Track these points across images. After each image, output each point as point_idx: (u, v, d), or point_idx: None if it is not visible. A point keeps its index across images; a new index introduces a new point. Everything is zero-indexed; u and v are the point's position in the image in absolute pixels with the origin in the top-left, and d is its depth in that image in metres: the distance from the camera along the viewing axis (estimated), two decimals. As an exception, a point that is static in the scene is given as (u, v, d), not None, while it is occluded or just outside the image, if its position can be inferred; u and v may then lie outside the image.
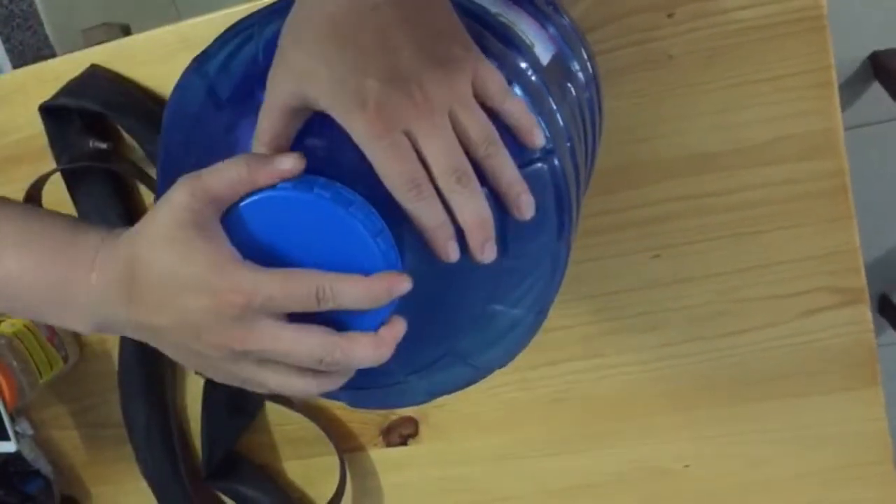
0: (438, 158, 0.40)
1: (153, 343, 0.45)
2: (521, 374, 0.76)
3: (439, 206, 0.41)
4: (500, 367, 0.49)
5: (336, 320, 0.42)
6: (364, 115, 0.40)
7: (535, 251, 0.45)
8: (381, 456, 0.82)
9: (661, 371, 0.74)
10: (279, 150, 0.43)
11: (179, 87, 0.48)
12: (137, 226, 0.44)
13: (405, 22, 0.40)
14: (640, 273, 0.71)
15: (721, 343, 0.72)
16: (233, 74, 0.46)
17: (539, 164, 0.43)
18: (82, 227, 0.47)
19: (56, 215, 0.50)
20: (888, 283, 1.49)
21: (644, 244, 0.70)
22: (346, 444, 0.82)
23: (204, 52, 0.47)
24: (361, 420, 0.81)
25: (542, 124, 0.43)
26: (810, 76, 0.63)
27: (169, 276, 0.42)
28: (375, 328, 0.42)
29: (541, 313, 0.47)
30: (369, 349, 0.42)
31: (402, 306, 0.42)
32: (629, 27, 0.64)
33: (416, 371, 0.48)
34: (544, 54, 0.49)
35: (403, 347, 0.43)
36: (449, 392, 0.50)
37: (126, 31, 1.45)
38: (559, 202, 0.44)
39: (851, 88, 1.39)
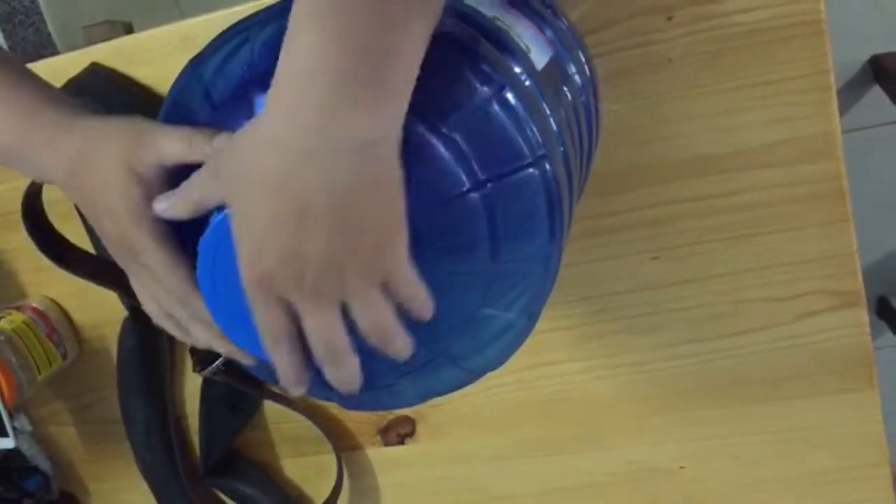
0: (312, 336, 0.43)
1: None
2: (518, 375, 0.76)
3: (294, 357, 0.44)
4: (492, 370, 0.49)
5: None
6: (251, 272, 0.42)
7: (527, 256, 0.45)
8: (378, 455, 0.82)
9: (659, 372, 0.74)
10: (196, 214, 0.48)
11: (175, 88, 0.49)
12: (98, 128, 0.52)
13: (335, 207, 0.39)
14: (639, 275, 0.71)
15: (719, 344, 0.72)
16: (228, 77, 0.46)
17: (530, 170, 0.43)
18: (45, 99, 0.54)
19: (26, 77, 0.56)
20: (887, 286, 1.50)
21: (643, 246, 0.70)
22: (343, 443, 0.82)
23: (200, 55, 0.47)
24: (359, 419, 0.81)
25: (535, 129, 0.43)
26: (809, 80, 0.63)
27: (100, 192, 0.50)
28: None
29: (532, 317, 0.47)
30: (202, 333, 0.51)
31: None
32: (629, 30, 0.65)
33: (408, 374, 0.48)
34: (540, 58, 0.50)
35: None
36: (440, 394, 0.50)
37: (128, 28, 1.45)
38: (551, 207, 0.44)
39: (852, 91, 1.39)
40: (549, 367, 0.76)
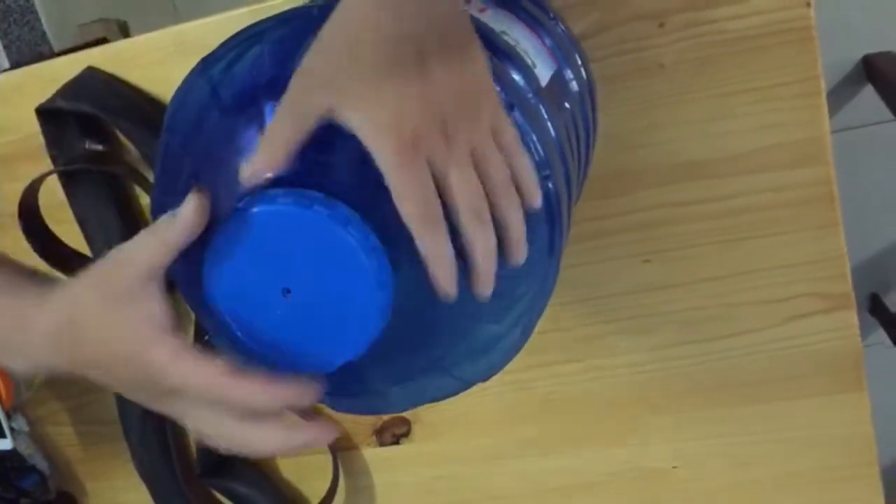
0: (462, 194, 0.41)
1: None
2: (513, 376, 0.77)
3: (448, 244, 0.41)
4: (484, 380, 0.49)
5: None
6: (396, 141, 0.40)
7: (525, 269, 0.45)
8: (374, 455, 0.83)
9: (651, 374, 0.74)
10: (290, 155, 0.43)
11: (183, 88, 0.48)
12: (73, 290, 0.47)
13: (444, 51, 0.40)
14: (631, 277, 0.72)
15: (711, 347, 0.73)
16: (237, 79, 0.46)
17: None
18: (26, 281, 0.50)
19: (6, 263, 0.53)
20: (878, 284, 1.51)
21: (635, 249, 0.71)
22: (339, 443, 0.83)
23: (211, 55, 0.47)
24: (355, 419, 0.82)
25: (540, 148, 0.43)
26: (799, 86, 0.64)
27: (100, 344, 0.45)
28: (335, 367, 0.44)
29: (526, 330, 0.47)
30: (260, 393, 0.43)
31: (390, 317, 0.43)
32: (622, 36, 0.65)
33: (401, 381, 0.49)
34: (545, 73, 0.50)
35: (389, 360, 0.44)
36: (430, 402, 0.50)
37: (123, 27, 1.45)
38: (551, 224, 0.44)
39: (844, 91, 1.40)
40: (544, 367, 0.76)
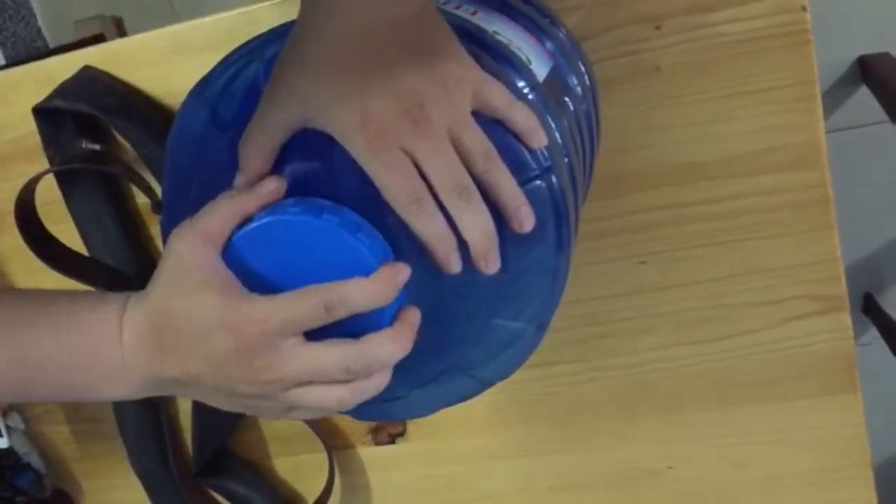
0: (440, 175, 0.42)
1: (195, 396, 0.47)
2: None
3: (441, 219, 0.42)
4: (502, 379, 0.50)
5: (353, 332, 0.43)
6: (364, 134, 0.41)
7: (536, 266, 0.45)
8: (369, 454, 0.83)
9: (647, 374, 0.75)
10: (265, 163, 0.45)
11: (183, 110, 0.49)
12: (150, 284, 0.46)
13: (404, 43, 0.41)
14: (627, 278, 0.72)
15: (706, 348, 0.73)
16: (235, 96, 0.47)
17: (538, 182, 0.44)
18: (98, 298, 0.48)
19: (69, 292, 0.51)
20: (872, 284, 1.51)
21: (632, 251, 0.71)
22: (334, 442, 0.83)
23: (208, 76, 0.48)
24: (350, 419, 0.82)
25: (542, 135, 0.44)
26: (795, 89, 0.64)
27: (189, 324, 0.43)
28: (389, 325, 0.44)
29: (541, 327, 0.48)
30: (389, 343, 0.43)
31: None
32: (618, 38, 0.65)
33: (420, 386, 0.49)
34: (541, 69, 0.50)
35: (407, 364, 0.44)
36: (451, 404, 0.51)
37: (119, 23, 1.45)
38: (557, 218, 0.45)
39: (839, 92, 1.40)
40: (539, 368, 0.76)
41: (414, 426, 0.81)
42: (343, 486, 0.85)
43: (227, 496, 0.85)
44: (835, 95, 1.40)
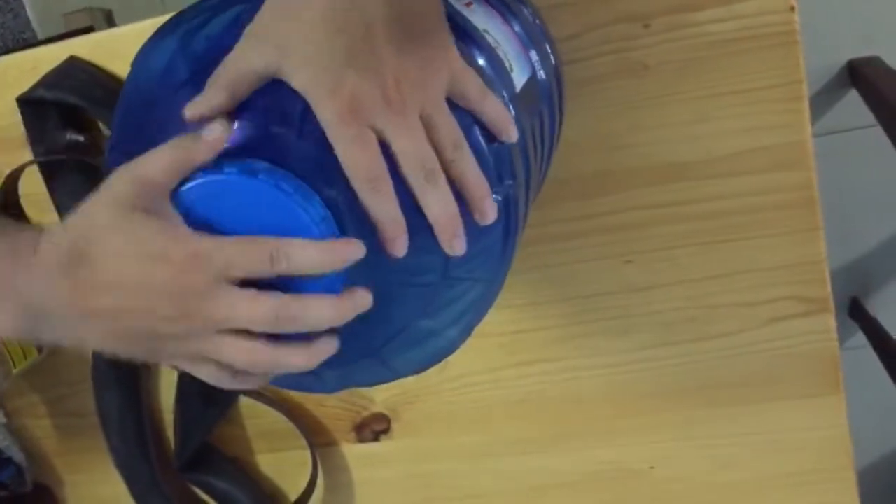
0: (408, 156, 0.42)
1: (89, 337, 0.44)
2: (494, 374, 0.77)
3: (394, 202, 0.42)
4: (415, 374, 0.49)
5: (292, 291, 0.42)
6: (336, 103, 0.41)
7: (476, 276, 0.45)
8: (353, 451, 0.83)
9: (631, 374, 0.75)
10: (231, 101, 0.43)
11: (152, 41, 0.47)
12: (79, 214, 0.43)
13: (392, 20, 0.41)
14: (612, 278, 0.72)
15: (690, 348, 0.73)
16: (209, 39, 0.45)
17: (495, 197, 0.44)
18: (24, 224, 0.47)
19: None
20: (859, 288, 1.52)
21: (617, 250, 0.71)
22: (318, 439, 0.83)
23: (185, 12, 0.46)
24: (334, 416, 0.82)
25: (508, 158, 0.44)
26: (782, 90, 0.64)
27: (125, 253, 0.41)
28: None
29: (467, 332, 0.48)
30: (327, 307, 0.42)
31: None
32: (606, 36, 0.65)
33: (338, 368, 0.47)
34: (520, 77, 0.50)
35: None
36: (360, 386, 0.51)
37: (108, 16, 1.44)
38: (507, 232, 0.45)
39: (828, 95, 1.40)
40: (524, 367, 0.76)
41: (398, 424, 0.81)
42: (326, 483, 0.85)
43: (209, 492, 0.85)
44: (824, 99, 1.40)
